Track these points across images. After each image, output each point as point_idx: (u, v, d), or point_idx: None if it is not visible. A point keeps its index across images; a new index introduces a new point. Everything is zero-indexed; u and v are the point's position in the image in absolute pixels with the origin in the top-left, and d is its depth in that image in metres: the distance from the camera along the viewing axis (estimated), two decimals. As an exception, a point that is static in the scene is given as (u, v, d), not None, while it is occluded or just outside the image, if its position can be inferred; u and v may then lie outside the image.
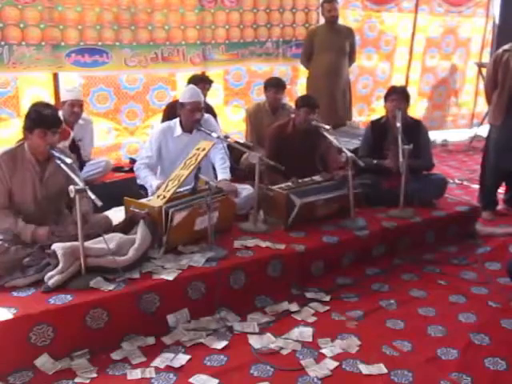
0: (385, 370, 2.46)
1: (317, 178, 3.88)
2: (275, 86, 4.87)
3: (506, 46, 4.39)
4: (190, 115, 3.75)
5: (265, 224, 3.60)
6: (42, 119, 2.87)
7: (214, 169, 3.95)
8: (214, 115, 4.92)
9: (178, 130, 3.85)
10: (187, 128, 3.84)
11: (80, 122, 4.45)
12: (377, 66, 7.17)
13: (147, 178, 3.74)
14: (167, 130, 3.88)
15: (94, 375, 2.40)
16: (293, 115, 4.21)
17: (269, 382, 2.36)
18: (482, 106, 8.01)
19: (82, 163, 4.32)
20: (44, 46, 4.86)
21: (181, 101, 3.80)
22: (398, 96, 4.09)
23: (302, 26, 6.27)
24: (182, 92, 3.90)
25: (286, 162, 3.77)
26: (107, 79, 5.40)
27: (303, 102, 4.05)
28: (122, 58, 5.26)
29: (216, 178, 3.86)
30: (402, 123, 3.85)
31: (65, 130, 4.03)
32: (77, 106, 4.33)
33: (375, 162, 4.10)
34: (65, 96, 4.37)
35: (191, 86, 3.94)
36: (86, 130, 4.58)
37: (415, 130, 4.13)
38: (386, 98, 4.18)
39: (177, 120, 3.89)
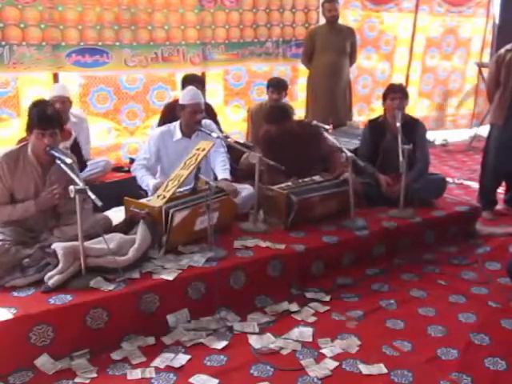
0: (385, 370, 2.46)
1: (317, 177, 3.87)
2: (274, 86, 4.89)
3: (508, 46, 4.39)
4: (191, 117, 3.74)
5: (265, 224, 3.60)
6: (39, 120, 2.86)
7: (213, 173, 3.93)
8: (214, 115, 4.92)
9: (178, 135, 3.83)
10: (187, 132, 3.83)
11: (73, 119, 4.41)
12: (376, 66, 7.17)
13: (144, 178, 3.73)
14: (166, 133, 3.86)
15: (94, 375, 2.40)
16: (295, 115, 4.21)
17: (269, 382, 2.36)
18: (482, 106, 8.01)
19: (83, 164, 4.30)
20: (44, 47, 4.86)
21: (181, 102, 3.79)
22: (399, 94, 4.07)
23: (301, 25, 6.27)
24: (182, 94, 3.89)
25: (279, 161, 3.78)
26: (107, 79, 5.40)
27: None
28: (122, 58, 5.27)
29: (216, 180, 3.85)
30: (401, 121, 3.85)
31: (66, 130, 4.01)
32: (59, 103, 4.12)
33: (372, 171, 4.06)
34: (51, 93, 4.25)
35: (191, 87, 3.93)
36: (80, 128, 4.49)
37: (413, 129, 4.12)
38: (386, 96, 4.16)
39: (176, 123, 3.88)
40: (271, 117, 4.06)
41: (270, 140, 4.02)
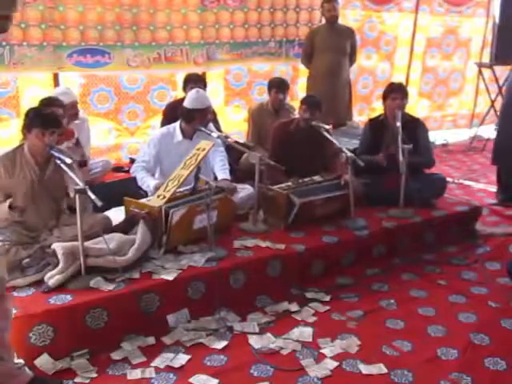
0: (385, 370, 2.46)
1: (317, 177, 3.88)
2: (277, 86, 4.87)
3: None
4: (207, 119, 3.81)
5: (265, 224, 3.60)
6: (40, 119, 2.87)
7: (213, 173, 3.93)
8: (214, 115, 4.91)
9: (179, 136, 3.83)
10: (188, 133, 3.83)
11: (76, 121, 4.45)
12: (377, 66, 7.17)
13: (144, 179, 3.73)
14: (167, 135, 3.85)
15: (94, 375, 2.41)
16: (295, 114, 4.21)
17: (269, 382, 2.37)
18: (482, 106, 8.01)
19: (84, 163, 4.33)
20: (46, 47, 4.86)
21: (198, 107, 3.72)
22: (400, 94, 4.08)
23: (305, 25, 6.26)
24: (193, 98, 3.77)
25: (288, 159, 3.81)
26: (108, 79, 5.39)
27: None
28: (123, 58, 5.26)
29: (216, 180, 3.86)
30: (402, 121, 3.85)
31: (69, 130, 4.04)
32: (75, 108, 4.31)
33: (367, 158, 3.96)
34: (63, 100, 4.33)
35: (196, 89, 3.90)
36: (82, 128, 4.52)
37: (414, 128, 4.13)
38: (387, 95, 4.16)
39: (176, 125, 3.87)
40: (315, 101, 4.05)
41: (284, 132, 4.08)
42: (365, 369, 2.47)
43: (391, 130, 4.06)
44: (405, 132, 3.77)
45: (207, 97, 3.85)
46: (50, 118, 2.92)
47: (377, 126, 4.25)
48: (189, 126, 3.80)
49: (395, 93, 4.09)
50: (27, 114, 2.94)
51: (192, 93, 3.84)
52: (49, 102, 3.82)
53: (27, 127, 2.90)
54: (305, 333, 2.75)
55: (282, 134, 4.10)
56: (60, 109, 3.81)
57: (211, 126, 4.04)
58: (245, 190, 3.79)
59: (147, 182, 3.70)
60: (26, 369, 2.32)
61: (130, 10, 5.20)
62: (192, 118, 3.75)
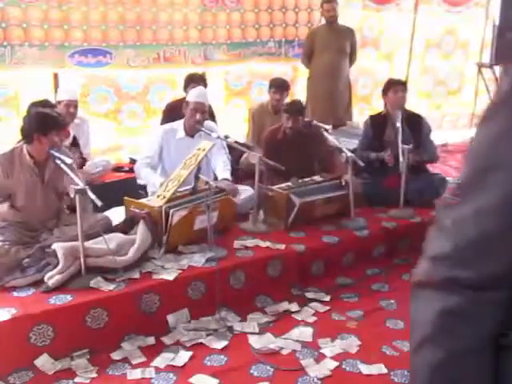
0: (385, 370, 2.46)
1: (317, 178, 3.87)
2: (277, 86, 4.87)
3: None
4: (192, 114, 3.77)
5: (265, 224, 3.60)
6: (40, 122, 2.87)
7: (214, 174, 3.94)
8: (213, 116, 4.91)
9: (181, 133, 3.85)
10: (190, 131, 3.84)
11: (76, 121, 4.45)
12: (376, 66, 7.16)
13: (149, 177, 3.74)
14: (170, 131, 3.88)
15: (94, 375, 2.41)
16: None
17: (269, 382, 2.37)
18: (483, 106, 8.01)
19: (83, 161, 4.33)
20: (47, 47, 4.86)
21: (187, 99, 3.85)
22: (401, 87, 4.10)
23: (304, 25, 6.26)
24: (191, 91, 3.95)
25: (282, 165, 3.80)
26: (108, 79, 5.39)
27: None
28: (124, 58, 5.26)
29: (216, 180, 3.86)
30: (403, 116, 3.86)
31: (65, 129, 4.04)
32: (72, 107, 4.29)
33: (372, 156, 4.06)
34: (61, 96, 4.31)
35: (200, 87, 3.97)
36: (81, 129, 4.55)
37: (417, 122, 4.15)
38: (388, 89, 4.16)
39: (180, 122, 3.90)
40: (295, 108, 4.03)
41: (272, 141, 4.04)
42: (365, 369, 2.47)
43: (393, 125, 4.06)
44: (407, 126, 3.78)
45: (204, 94, 3.88)
46: (50, 120, 2.91)
47: (378, 122, 4.25)
48: (186, 118, 3.82)
49: (397, 85, 4.12)
50: (28, 119, 2.93)
51: (194, 90, 3.93)
52: (42, 106, 3.83)
53: (27, 131, 2.89)
54: (305, 333, 2.75)
55: (270, 143, 4.05)
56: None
57: (213, 125, 4.04)
58: (245, 192, 3.79)
59: (152, 179, 3.71)
60: None
61: (134, 10, 5.20)
62: (186, 109, 3.81)
